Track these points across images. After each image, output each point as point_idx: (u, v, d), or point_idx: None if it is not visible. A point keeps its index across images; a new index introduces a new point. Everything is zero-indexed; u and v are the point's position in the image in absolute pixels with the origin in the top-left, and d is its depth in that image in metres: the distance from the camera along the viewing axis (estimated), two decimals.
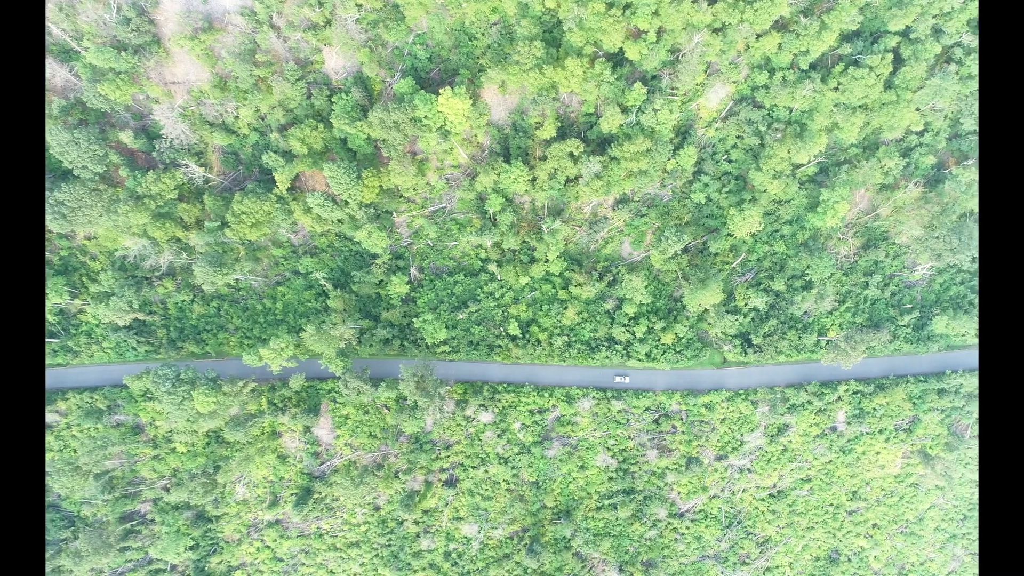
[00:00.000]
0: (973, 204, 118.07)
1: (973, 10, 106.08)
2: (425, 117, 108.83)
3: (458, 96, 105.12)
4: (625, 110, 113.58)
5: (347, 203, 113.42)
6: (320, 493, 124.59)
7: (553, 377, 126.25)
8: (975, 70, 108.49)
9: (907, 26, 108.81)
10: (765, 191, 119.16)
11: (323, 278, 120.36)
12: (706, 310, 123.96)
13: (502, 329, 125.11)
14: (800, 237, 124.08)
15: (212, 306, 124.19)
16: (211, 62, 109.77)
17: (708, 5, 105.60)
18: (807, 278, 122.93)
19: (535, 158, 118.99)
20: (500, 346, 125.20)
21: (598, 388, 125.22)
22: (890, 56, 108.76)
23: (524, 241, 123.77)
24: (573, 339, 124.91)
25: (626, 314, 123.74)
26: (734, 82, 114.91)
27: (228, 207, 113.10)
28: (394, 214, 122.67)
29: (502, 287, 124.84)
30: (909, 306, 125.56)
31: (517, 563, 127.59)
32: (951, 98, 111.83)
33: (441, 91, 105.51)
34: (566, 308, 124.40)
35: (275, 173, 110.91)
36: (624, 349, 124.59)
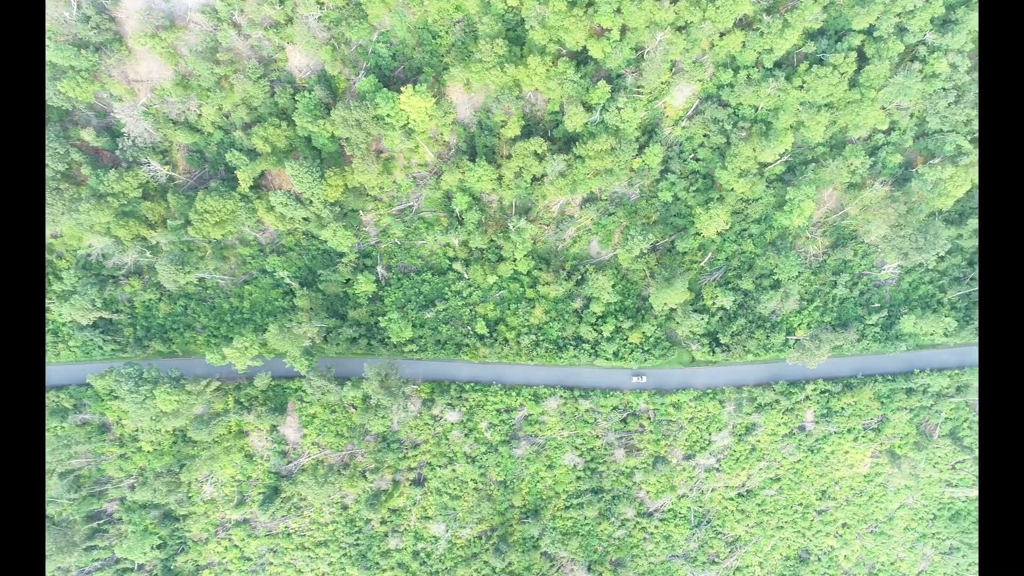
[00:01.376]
0: (940, 203, 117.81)
1: (936, 8, 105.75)
2: (388, 115, 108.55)
3: (419, 94, 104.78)
4: (589, 108, 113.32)
5: (311, 202, 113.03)
6: (288, 492, 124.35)
7: (521, 376, 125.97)
8: (939, 68, 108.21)
9: (871, 24, 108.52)
10: (732, 190, 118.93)
11: (289, 277, 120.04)
12: (673, 309, 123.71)
13: (470, 328, 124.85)
14: (768, 236, 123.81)
15: (179, 305, 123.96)
16: (173, 60, 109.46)
17: (671, 3, 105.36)
18: (775, 277, 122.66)
19: (501, 157, 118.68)
20: (467, 345, 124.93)
21: (565, 387, 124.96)
22: (854, 55, 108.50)
23: (492, 240, 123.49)
24: (541, 338, 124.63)
25: (593, 313, 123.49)
26: (699, 80, 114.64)
27: (192, 205, 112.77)
28: (361, 213, 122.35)
29: (470, 286, 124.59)
30: (877, 305, 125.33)
31: (485, 562, 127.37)
32: (916, 96, 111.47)
33: (403, 89, 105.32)
34: (533, 307, 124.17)
35: (238, 172, 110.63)
36: (592, 348, 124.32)
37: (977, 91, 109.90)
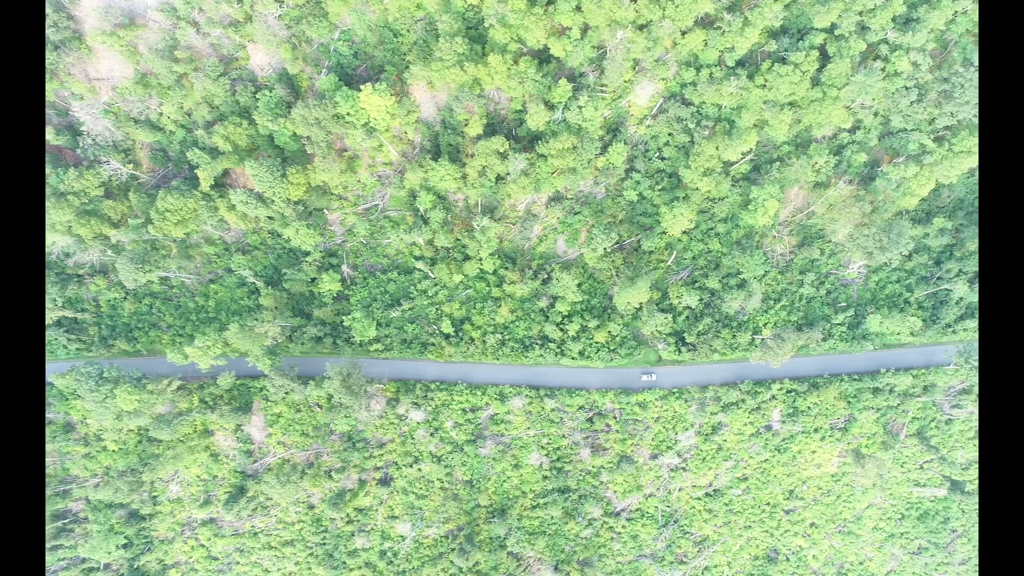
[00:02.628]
0: (905, 202, 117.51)
1: (897, 7, 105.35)
2: (348, 114, 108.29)
3: (378, 93, 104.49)
4: (552, 107, 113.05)
5: (273, 200, 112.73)
6: (253, 492, 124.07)
7: (487, 375, 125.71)
8: (901, 67, 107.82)
9: (833, 23, 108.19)
10: (697, 189, 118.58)
11: (252, 275, 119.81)
12: (639, 308, 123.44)
13: (435, 327, 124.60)
14: (735, 235, 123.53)
15: (144, 303, 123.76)
16: (134, 58, 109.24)
17: (631, 1, 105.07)
18: (742, 276, 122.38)
19: (466, 155, 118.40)
20: (433, 344, 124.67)
21: (531, 386, 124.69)
22: (815, 53, 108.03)
23: (457, 239, 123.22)
24: (507, 337, 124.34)
25: (559, 312, 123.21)
26: (663, 79, 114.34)
27: (154, 204, 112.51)
28: (326, 211, 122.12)
29: (436, 285, 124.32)
30: (844, 304, 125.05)
31: (452, 562, 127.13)
32: (879, 95, 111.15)
33: (362, 88, 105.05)
34: (499, 306, 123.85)
35: (198, 171, 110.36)
36: (558, 347, 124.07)
37: (939, 90, 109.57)
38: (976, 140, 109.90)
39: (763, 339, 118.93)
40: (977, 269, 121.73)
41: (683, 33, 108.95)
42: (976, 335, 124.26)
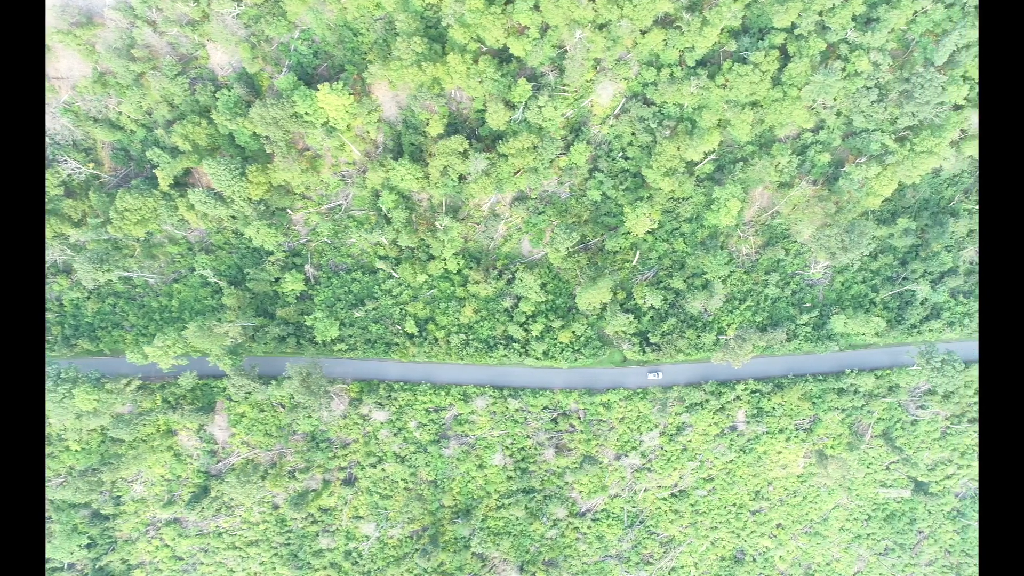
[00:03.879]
0: (869, 203, 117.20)
1: (857, 6, 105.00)
2: (306, 113, 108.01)
3: (336, 92, 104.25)
4: (512, 106, 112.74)
5: (233, 200, 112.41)
6: (216, 492, 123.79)
7: (452, 375, 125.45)
8: (861, 66, 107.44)
9: (793, 23, 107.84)
10: (660, 188, 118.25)
11: (213, 275, 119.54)
12: (604, 308, 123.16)
13: (399, 327, 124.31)
14: (700, 235, 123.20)
15: (107, 303, 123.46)
16: (92, 57, 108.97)
17: (589, 1, 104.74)
18: (707, 276, 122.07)
19: (428, 155, 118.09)
20: (397, 344, 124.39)
21: (495, 387, 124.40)
22: (775, 53, 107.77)
23: (421, 239, 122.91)
24: (471, 337, 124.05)
25: (523, 312, 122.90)
26: (625, 79, 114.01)
27: (113, 203, 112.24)
28: (290, 211, 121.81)
29: (400, 284, 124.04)
30: (809, 305, 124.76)
31: (416, 562, 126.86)
32: (840, 95, 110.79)
33: (320, 87, 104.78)
34: (463, 306, 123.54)
35: (157, 170, 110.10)
36: (522, 348, 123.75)
37: (900, 89, 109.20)
38: (938, 140, 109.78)
39: (725, 339, 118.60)
40: (941, 270, 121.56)
41: (643, 32, 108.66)
42: (939, 336, 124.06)
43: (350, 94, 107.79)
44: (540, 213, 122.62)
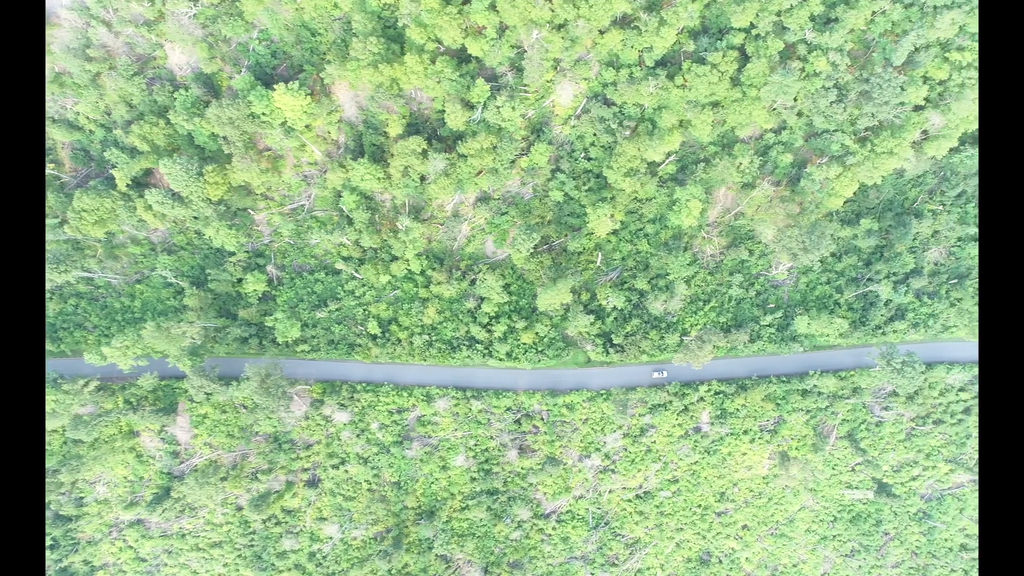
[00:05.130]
0: (831, 203, 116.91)
1: (815, 6, 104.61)
2: (263, 114, 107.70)
3: (291, 92, 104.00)
4: (471, 107, 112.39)
5: (191, 200, 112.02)
6: (177, 493, 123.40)
7: (416, 376, 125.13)
8: (819, 67, 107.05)
9: (751, 23, 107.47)
10: (622, 189, 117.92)
11: (173, 275, 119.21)
12: (568, 309, 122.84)
13: (362, 328, 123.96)
14: (663, 236, 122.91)
15: (69, 304, 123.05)
16: (49, 57, 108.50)
17: (545, 1, 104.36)
18: (670, 277, 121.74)
19: (390, 155, 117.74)
20: (360, 345, 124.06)
21: (458, 388, 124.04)
22: (734, 53, 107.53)
23: (384, 239, 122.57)
24: (434, 338, 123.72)
25: (487, 313, 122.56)
26: (585, 79, 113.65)
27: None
28: (252, 212, 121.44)
29: (363, 285, 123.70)
30: (773, 306, 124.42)
31: (378, 564, 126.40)
32: (800, 95, 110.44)
33: (276, 87, 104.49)
34: (426, 307, 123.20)
35: (114, 171, 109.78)
36: (485, 349, 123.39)
37: (859, 90, 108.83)
38: (897, 141, 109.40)
39: (685, 340, 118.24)
40: (904, 271, 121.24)
41: (601, 33, 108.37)
42: (904, 337, 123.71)
43: (308, 94, 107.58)
44: (503, 214, 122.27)
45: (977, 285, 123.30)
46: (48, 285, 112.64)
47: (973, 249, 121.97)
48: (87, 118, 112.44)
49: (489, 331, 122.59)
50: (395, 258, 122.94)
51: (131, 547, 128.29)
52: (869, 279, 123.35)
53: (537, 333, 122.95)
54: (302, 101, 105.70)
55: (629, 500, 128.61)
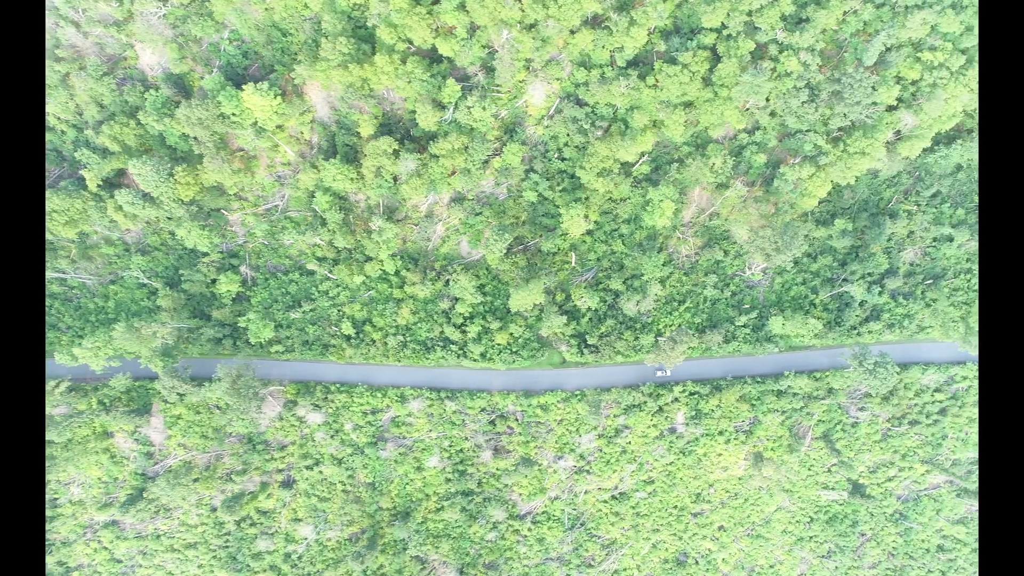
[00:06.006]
0: (804, 204, 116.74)
1: (785, 6, 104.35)
2: (232, 114, 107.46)
3: (260, 92, 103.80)
4: (443, 107, 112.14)
5: (162, 201, 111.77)
6: (148, 494, 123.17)
7: (390, 377, 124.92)
8: (790, 66, 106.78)
9: (722, 23, 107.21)
10: (596, 190, 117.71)
11: (145, 276, 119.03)
12: (541, 309, 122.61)
13: (336, 329, 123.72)
14: (638, 236, 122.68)
15: None
16: None
17: (515, 1, 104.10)
18: (644, 278, 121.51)
19: (363, 155, 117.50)
20: (334, 346, 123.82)
21: (432, 388, 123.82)
22: (705, 53, 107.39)
23: (358, 240, 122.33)
24: (408, 339, 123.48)
25: (460, 314, 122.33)
26: (557, 79, 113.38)
27: None
28: (226, 212, 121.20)
29: (337, 286, 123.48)
30: (748, 306, 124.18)
31: (351, 566, 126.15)
32: (773, 95, 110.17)
33: (244, 87, 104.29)
34: (400, 307, 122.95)
35: (84, 171, 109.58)
36: (459, 350, 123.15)
37: (831, 90, 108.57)
38: (870, 141, 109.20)
39: (660, 341, 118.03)
40: (879, 271, 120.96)
41: (572, 33, 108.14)
42: (879, 338, 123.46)
43: (278, 95, 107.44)
44: (478, 214, 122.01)
45: (952, 286, 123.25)
46: None
47: (948, 250, 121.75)
48: (58, 118, 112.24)
49: (463, 332, 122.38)
50: (369, 259, 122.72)
51: (106, 548, 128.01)
52: (844, 280, 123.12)
53: (511, 334, 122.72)
54: (272, 101, 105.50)
55: (605, 501, 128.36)
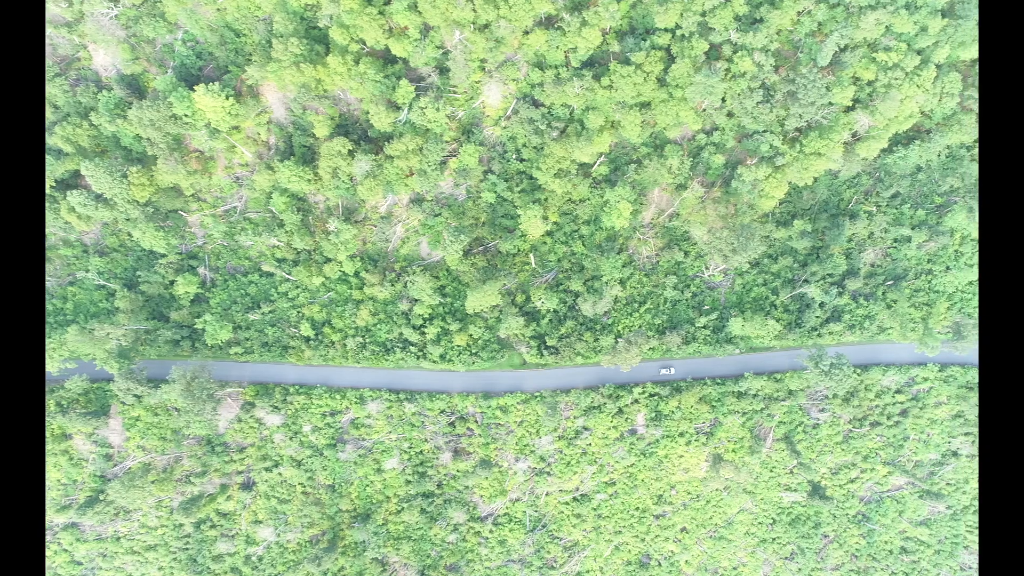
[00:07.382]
0: (762, 204, 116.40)
1: (739, 7, 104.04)
2: (185, 115, 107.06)
3: (212, 93, 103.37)
4: (397, 108, 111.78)
5: (115, 202, 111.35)
6: (104, 496, 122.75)
7: (350, 379, 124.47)
8: (744, 67, 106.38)
9: (676, 23, 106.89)
10: (554, 191, 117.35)
11: (98, 278, 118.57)
12: (500, 310, 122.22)
13: (296, 330, 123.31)
14: (598, 237, 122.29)
15: None
16: None
17: (467, 1, 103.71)
18: (604, 279, 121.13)
19: (319, 156, 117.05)
20: (294, 347, 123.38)
21: (392, 390, 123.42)
22: (658, 54, 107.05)
23: (317, 241, 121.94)
24: (367, 340, 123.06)
25: (420, 316, 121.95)
26: (513, 80, 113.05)
27: None
28: (185, 213, 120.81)
29: (296, 287, 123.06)
30: (708, 307, 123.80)
31: (308, 569, 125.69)
32: (728, 96, 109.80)
33: (196, 88, 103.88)
34: (359, 309, 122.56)
35: None
36: (418, 351, 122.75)
37: (785, 91, 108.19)
38: (825, 142, 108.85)
39: (614, 343, 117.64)
40: (838, 272, 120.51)
41: (526, 33, 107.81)
42: (839, 339, 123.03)
43: (231, 95, 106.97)
44: (437, 215, 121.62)
45: (913, 287, 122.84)
46: None
47: (909, 250, 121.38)
48: None
49: (422, 333, 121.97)
50: (328, 260, 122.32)
51: (66, 550, 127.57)
52: (805, 281, 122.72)
53: (471, 335, 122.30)
54: (224, 102, 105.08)
55: (566, 503, 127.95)
